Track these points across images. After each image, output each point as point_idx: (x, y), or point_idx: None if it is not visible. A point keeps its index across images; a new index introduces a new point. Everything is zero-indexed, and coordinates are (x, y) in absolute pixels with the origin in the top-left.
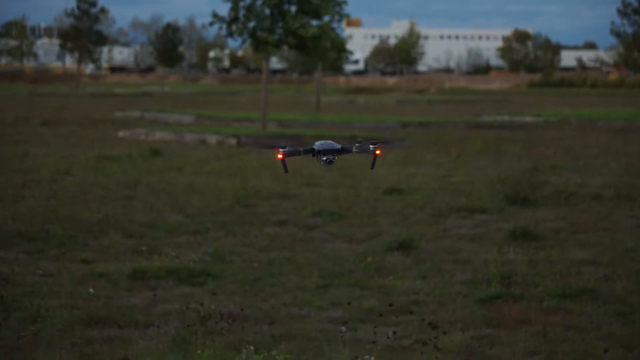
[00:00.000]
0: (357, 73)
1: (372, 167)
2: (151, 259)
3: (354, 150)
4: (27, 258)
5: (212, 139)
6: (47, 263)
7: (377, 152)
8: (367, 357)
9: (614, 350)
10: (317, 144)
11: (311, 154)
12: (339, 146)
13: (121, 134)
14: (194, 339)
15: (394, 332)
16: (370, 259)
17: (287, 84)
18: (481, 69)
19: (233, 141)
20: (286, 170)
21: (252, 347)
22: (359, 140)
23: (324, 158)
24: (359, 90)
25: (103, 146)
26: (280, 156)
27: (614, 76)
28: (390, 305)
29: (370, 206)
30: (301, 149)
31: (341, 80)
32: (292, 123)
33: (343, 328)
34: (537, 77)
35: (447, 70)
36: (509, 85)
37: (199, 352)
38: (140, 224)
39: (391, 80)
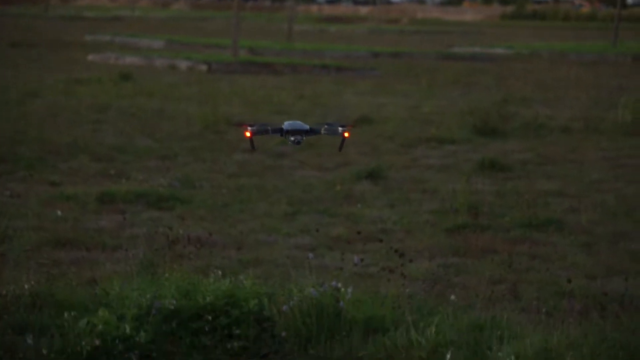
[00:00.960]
0: (330, 2)
1: (340, 149)
2: (120, 182)
3: (322, 131)
4: None
5: (183, 64)
6: (15, 184)
7: (346, 134)
8: (333, 283)
9: (577, 280)
10: (286, 124)
11: (279, 134)
12: (307, 127)
13: (91, 57)
14: (162, 263)
15: (361, 259)
16: (339, 187)
17: (258, 11)
18: (454, 0)
19: (204, 67)
20: (253, 147)
21: (219, 272)
22: (328, 122)
23: (292, 138)
24: (331, 19)
25: (73, 69)
26: (248, 134)
27: (586, 9)
28: (358, 233)
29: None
30: (269, 127)
31: (313, 9)
32: (264, 50)
33: (310, 255)
34: (509, 9)
35: (420, 1)
36: (482, 17)
37: (166, 275)
38: (110, 148)
39: (364, 10)
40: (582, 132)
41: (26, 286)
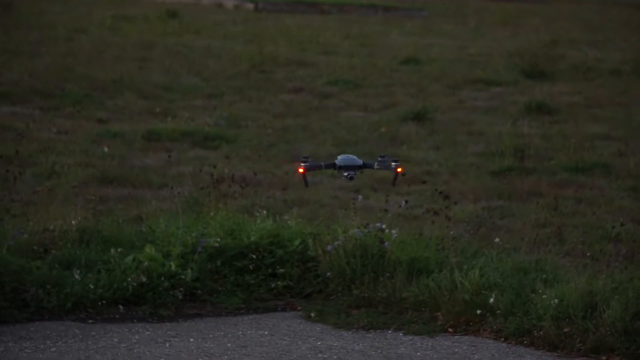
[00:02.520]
0: None
1: (394, 185)
2: (166, 120)
3: (375, 166)
4: (42, 115)
5: (229, 3)
6: (62, 120)
7: (399, 169)
8: (378, 224)
9: (624, 224)
10: (339, 160)
11: (333, 169)
12: (360, 162)
13: None
14: (207, 201)
15: (406, 201)
16: (385, 128)
17: None
18: None
19: (250, 6)
20: (307, 185)
21: (264, 211)
22: (381, 155)
23: (345, 174)
24: None
25: (120, 6)
26: (301, 170)
27: None
28: (403, 174)
29: (386, 76)
30: (322, 163)
31: None
32: None
33: (360, 197)
34: None
35: None
36: None
37: (211, 214)
38: (156, 86)
39: None
40: (630, 74)
41: (73, 222)
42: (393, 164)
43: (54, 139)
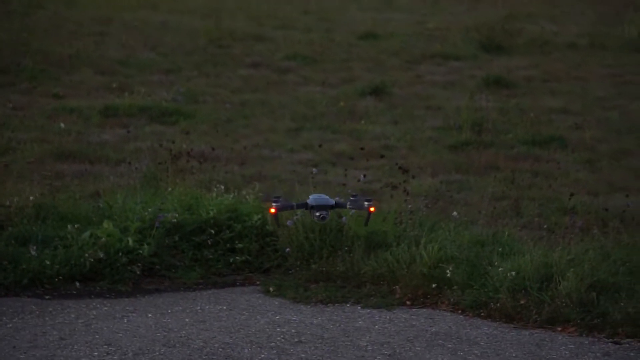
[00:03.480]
0: None
1: (366, 224)
2: (123, 96)
3: (348, 206)
4: None
5: None
6: (18, 96)
7: (372, 209)
8: (337, 198)
9: (579, 197)
10: (311, 199)
11: (305, 209)
12: (332, 201)
13: None
14: (165, 177)
15: (364, 175)
16: (343, 103)
17: None
18: None
19: None
20: (278, 225)
21: (222, 186)
22: (353, 194)
23: (318, 214)
24: None
25: None
26: (272, 211)
27: None
28: (362, 149)
29: (344, 51)
30: (294, 203)
31: None
32: None
33: (315, 169)
34: None
35: None
36: None
37: (169, 189)
38: (112, 61)
39: None
40: (587, 48)
41: (30, 198)
42: (366, 203)
43: (10, 114)
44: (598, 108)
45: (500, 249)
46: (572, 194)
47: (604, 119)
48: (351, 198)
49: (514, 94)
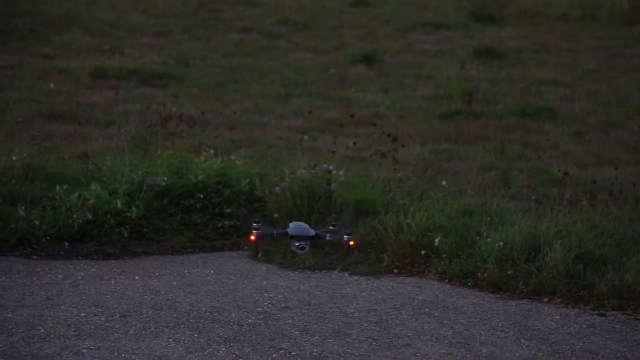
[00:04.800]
0: None
1: (346, 257)
2: (113, 58)
3: (327, 237)
4: None
5: None
6: (7, 56)
7: (351, 243)
8: (325, 165)
9: (568, 168)
10: (291, 228)
11: (284, 237)
12: (312, 232)
13: None
14: (154, 140)
15: (354, 143)
16: (334, 70)
17: None
18: None
19: None
20: (257, 253)
21: (212, 151)
22: (333, 223)
23: (297, 244)
24: None
25: None
26: (252, 238)
27: None
28: (351, 116)
29: (335, 18)
30: (275, 232)
31: None
32: None
33: (305, 137)
34: None
35: None
36: None
37: (158, 152)
38: (103, 23)
39: None
40: (578, 20)
41: (18, 158)
42: (345, 236)
43: None
44: (588, 80)
45: (488, 219)
46: (565, 173)
47: (593, 91)
48: (331, 227)
49: (505, 64)
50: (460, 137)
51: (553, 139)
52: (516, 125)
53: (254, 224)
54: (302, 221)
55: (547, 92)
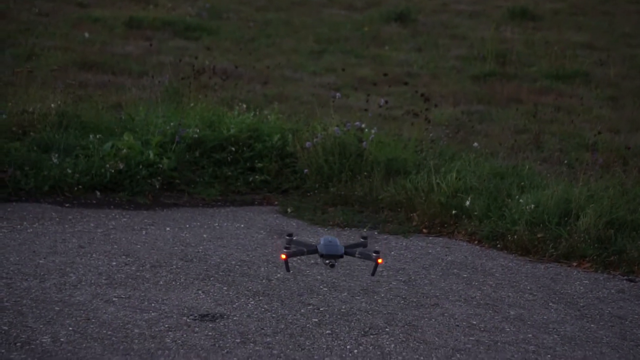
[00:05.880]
0: None
1: (373, 275)
2: (148, 8)
3: (356, 255)
4: None
5: None
6: (43, 2)
7: (379, 260)
8: (357, 123)
9: (601, 133)
10: (321, 247)
11: (314, 253)
12: (342, 251)
13: None
14: (187, 92)
15: (386, 102)
16: (367, 28)
17: None
18: None
19: None
20: (288, 270)
21: (244, 105)
22: (363, 235)
23: (327, 262)
24: None
25: None
26: (283, 257)
27: None
28: (384, 75)
29: None
30: (305, 249)
31: None
32: None
33: (338, 94)
34: None
35: None
36: None
37: (191, 105)
38: None
39: None
40: None
41: (52, 105)
42: (374, 254)
43: (34, 20)
44: (623, 44)
45: (520, 182)
46: (599, 132)
47: (629, 56)
48: (361, 240)
49: (540, 26)
50: (493, 99)
51: (586, 103)
52: (550, 89)
53: (287, 237)
54: (333, 179)
55: (582, 55)
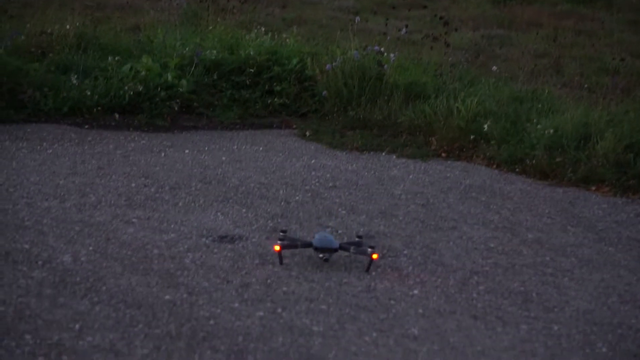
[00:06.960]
0: None
1: (367, 271)
2: None
3: (351, 250)
4: None
5: None
6: None
7: (374, 256)
8: (377, 47)
9: (622, 57)
10: (315, 240)
11: (309, 247)
12: (337, 245)
13: None
14: (206, 15)
15: (406, 26)
16: None
17: None
18: None
19: None
20: (281, 262)
21: (263, 28)
22: (358, 235)
23: (321, 255)
24: None
25: None
26: (277, 248)
27: None
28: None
29: None
30: (299, 242)
31: None
32: None
33: (357, 18)
34: None
35: None
36: None
37: (210, 27)
38: None
39: None
40: None
41: (70, 27)
42: (369, 249)
43: None
44: None
45: (539, 107)
46: (622, 59)
47: None
48: (356, 239)
49: None
50: (513, 23)
51: (608, 27)
52: (570, 12)
53: (280, 233)
54: (352, 102)
55: None
